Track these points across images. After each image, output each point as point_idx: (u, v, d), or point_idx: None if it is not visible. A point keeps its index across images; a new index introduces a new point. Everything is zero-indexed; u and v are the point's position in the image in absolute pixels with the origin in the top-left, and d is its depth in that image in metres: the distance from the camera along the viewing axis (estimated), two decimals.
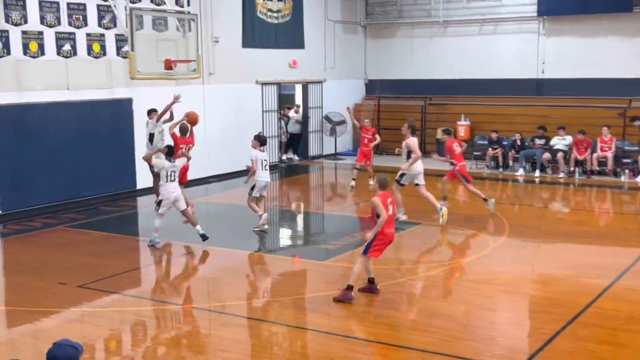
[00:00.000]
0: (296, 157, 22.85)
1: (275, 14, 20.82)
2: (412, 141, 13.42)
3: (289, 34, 21.39)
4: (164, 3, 15.90)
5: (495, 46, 22.50)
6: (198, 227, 12.16)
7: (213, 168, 18.19)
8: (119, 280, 10.72)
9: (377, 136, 17.79)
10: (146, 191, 16.43)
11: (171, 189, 12.10)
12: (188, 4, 16.51)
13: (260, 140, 13.31)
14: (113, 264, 11.49)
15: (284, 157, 22.40)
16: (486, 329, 8.54)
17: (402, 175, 13.58)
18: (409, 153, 13.45)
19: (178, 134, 13.41)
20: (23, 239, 13.01)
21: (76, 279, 10.36)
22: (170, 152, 12.30)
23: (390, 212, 9.16)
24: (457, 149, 14.59)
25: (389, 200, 9.24)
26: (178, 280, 11.04)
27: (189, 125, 13.57)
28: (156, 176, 13.47)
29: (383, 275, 10.13)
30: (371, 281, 9.47)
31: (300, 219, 15.74)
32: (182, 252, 12.41)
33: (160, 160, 12.39)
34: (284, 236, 14.20)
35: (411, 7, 23.97)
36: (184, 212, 12.34)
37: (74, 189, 15.24)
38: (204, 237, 12.07)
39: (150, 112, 14.23)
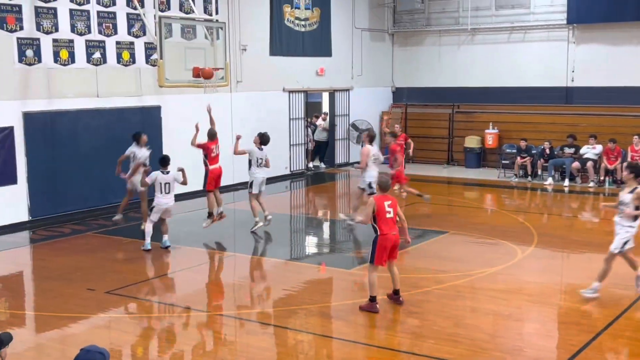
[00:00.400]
0: (322, 165, 22.86)
1: (302, 22, 20.89)
2: (365, 149, 13.84)
3: (316, 42, 21.44)
4: (193, 11, 16.01)
5: (524, 54, 22.34)
6: (165, 236, 12.52)
7: (240, 175, 18.24)
8: (146, 286, 10.81)
9: (409, 141, 18.12)
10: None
11: (165, 200, 12.37)
12: (216, 13, 16.63)
13: (262, 140, 13.72)
14: (141, 271, 11.60)
15: (311, 164, 22.42)
16: (513, 340, 8.45)
17: (370, 185, 13.77)
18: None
19: (206, 140, 13.51)
20: (52, 244, 13.15)
21: (104, 285, 10.45)
22: (165, 163, 12.42)
23: (391, 214, 9.09)
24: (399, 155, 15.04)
25: (388, 202, 9.13)
26: (204, 287, 11.07)
27: (215, 130, 13.69)
28: (130, 192, 13.64)
29: (410, 284, 10.08)
30: (395, 292, 9.43)
31: (326, 227, 15.72)
32: (208, 259, 12.48)
33: (152, 174, 12.52)
34: (310, 244, 14.19)
35: (439, 15, 23.90)
36: (163, 221, 12.58)
37: (103, 196, 15.38)
38: (148, 249, 12.38)
39: (141, 135, 13.59)
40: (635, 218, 9.31)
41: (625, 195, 9.37)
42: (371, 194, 13.81)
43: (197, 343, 8.44)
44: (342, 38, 22.47)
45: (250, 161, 13.89)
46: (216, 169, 13.59)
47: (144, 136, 13.60)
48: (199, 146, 13.44)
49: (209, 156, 13.45)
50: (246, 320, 9.22)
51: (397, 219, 9.25)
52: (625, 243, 9.38)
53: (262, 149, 13.70)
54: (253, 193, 13.74)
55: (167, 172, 12.38)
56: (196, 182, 13.79)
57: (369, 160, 13.74)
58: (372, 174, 13.74)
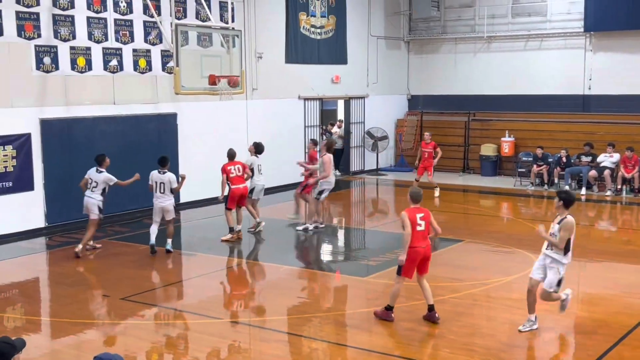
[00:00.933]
0: (337, 172, 22.78)
1: (318, 30, 20.91)
2: (327, 157, 14.20)
3: (331, 50, 21.47)
4: (209, 19, 16.08)
5: (540, 62, 22.24)
6: (169, 240, 12.60)
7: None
8: (161, 293, 10.83)
9: (438, 150, 18.31)
10: (189, 205, 16.60)
11: (160, 200, 12.51)
12: (232, 20, 16.69)
13: (257, 149, 14.32)
14: (156, 277, 11.62)
15: None
16: (530, 350, 8.38)
17: (321, 192, 14.30)
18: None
19: (227, 161, 13.72)
20: (68, 251, 13.18)
21: (119, 292, 10.47)
22: (163, 163, 12.61)
23: (422, 227, 8.96)
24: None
25: (420, 215, 8.99)
26: (219, 294, 11.08)
27: (234, 151, 13.89)
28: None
29: None
30: (430, 308, 9.10)
31: (341, 235, 15.69)
32: (223, 266, 12.48)
33: (150, 174, 12.64)
34: (325, 251, 14.16)
35: (455, 22, 23.87)
36: (168, 222, 12.65)
37: (119, 202, 15.43)
38: (167, 251, 12.55)
39: (104, 159, 12.77)
40: (565, 252, 8.53)
41: (555, 226, 8.56)
42: (317, 198, 14.32)
43: (211, 350, 8.42)
44: (357, 46, 22.47)
45: (252, 170, 14.10)
46: (238, 189, 13.69)
47: (107, 161, 12.83)
48: (223, 171, 13.63)
49: (229, 177, 13.61)
50: (260, 327, 9.20)
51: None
52: (560, 281, 8.60)
53: (258, 157, 14.23)
54: (253, 199, 14.22)
55: (164, 173, 12.54)
56: (212, 190, 13.80)
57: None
58: (331, 181, 14.32)
